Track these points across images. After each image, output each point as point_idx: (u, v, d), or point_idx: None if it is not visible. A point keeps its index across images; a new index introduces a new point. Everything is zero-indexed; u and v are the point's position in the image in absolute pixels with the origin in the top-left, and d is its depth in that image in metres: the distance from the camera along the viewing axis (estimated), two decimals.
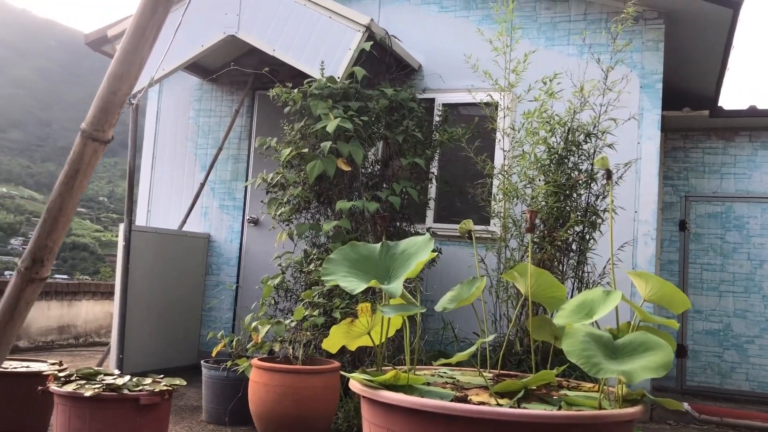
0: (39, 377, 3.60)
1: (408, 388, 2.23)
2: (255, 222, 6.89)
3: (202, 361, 4.65)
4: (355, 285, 2.30)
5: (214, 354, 4.71)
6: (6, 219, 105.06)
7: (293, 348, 4.21)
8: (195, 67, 6.75)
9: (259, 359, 4.11)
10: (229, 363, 4.41)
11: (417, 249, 2.34)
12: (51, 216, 1.25)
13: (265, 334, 4.35)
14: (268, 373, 3.95)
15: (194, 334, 6.83)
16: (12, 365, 4.03)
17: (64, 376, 3.35)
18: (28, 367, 4.02)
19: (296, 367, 3.97)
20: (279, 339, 4.30)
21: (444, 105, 6.13)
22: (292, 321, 4.34)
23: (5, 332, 1.26)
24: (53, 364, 4.09)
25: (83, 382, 3.26)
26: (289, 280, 5.12)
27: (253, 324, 4.44)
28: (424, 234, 5.54)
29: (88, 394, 3.08)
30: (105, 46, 7.02)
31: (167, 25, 4.83)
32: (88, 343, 8.53)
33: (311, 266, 4.89)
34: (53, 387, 3.25)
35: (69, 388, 3.18)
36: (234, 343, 4.64)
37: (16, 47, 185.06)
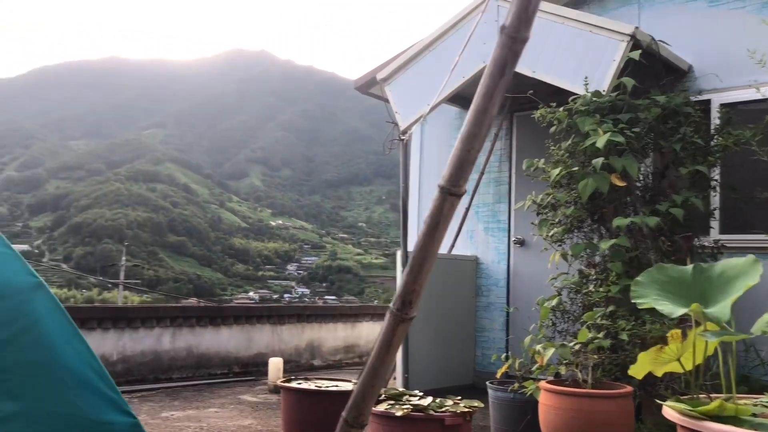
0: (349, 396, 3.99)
1: (734, 420, 2.10)
2: (521, 243, 6.94)
3: (487, 383, 4.78)
4: (671, 308, 2.23)
5: (498, 375, 4.82)
6: (282, 247, 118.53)
7: (580, 371, 4.14)
8: (454, 97, 7.05)
9: (547, 382, 4.11)
10: (515, 385, 4.48)
11: (738, 272, 2.20)
12: (416, 263, 1.42)
13: (549, 357, 4.34)
14: (558, 397, 3.94)
15: (468, 354, 7.04)
16: (324, 384, 4.53)
17: None
18: (337, 386, 4.48)
19: (589, 390, 3.90)
20: (564, 361, 4.27)
21: (722, 105, 5.64)
22: (575, 343, 4.28)
23: (383, 365, 1.45)
24: (356, 384, 4.51)
25: (392, 402, 3.55)
26: (565, 302, 5.06)
27: (537, 347, 4.47)
28: (709, 248, 5.13)
29: (399, 413, 3.34)
30: (372, 88, 7.65)
31: (432, 60, 5.12)
32: None
33: (590, 287, 4.78)
34: None
35: (381, 407, 3.48)
36: (517, 364, 4.70)
37: (282, 94, 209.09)
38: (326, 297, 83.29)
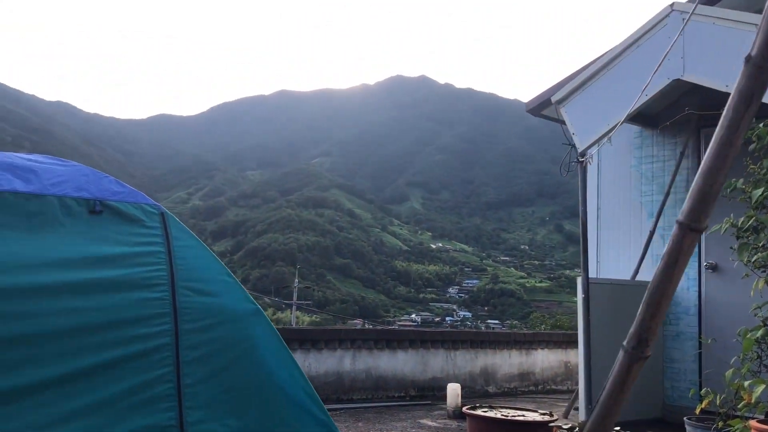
0: (543, 426, 3.92)
1: None
2: (714, 268, 6.45)
3: (685, 419, 4.48)
4: None
5: (697, 411, 4.50)
6: (443, 270, 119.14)
7: None
8: (634, 115, 6.76)
9: (758, 422, 3.77)
10: (720, 423, 4.15)
11: None
12: (653, 301, 1.38)
13: (759, 394, 3.98)
14: None
15: (656, 386, 6.63)
16: (510, 413, 4.48)
17: (567, 428, 3.58)
18: (523, 416, 4.42)
19: None
20: None
21: None
22: None
23: (616, 403, 1.42)
24: (543, 414, 4.42)
25: None
26: None
27: (744, 382, 4.12)
28: None
29: None
30: (546, 110, 7.54)
31: (611, 79, 4.95)
32: (545, 390, 8.99)
33: None
34: None
35: None
36: (718, 400, 4.35)
37: (441, 118, 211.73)
38: (489, 321, 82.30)
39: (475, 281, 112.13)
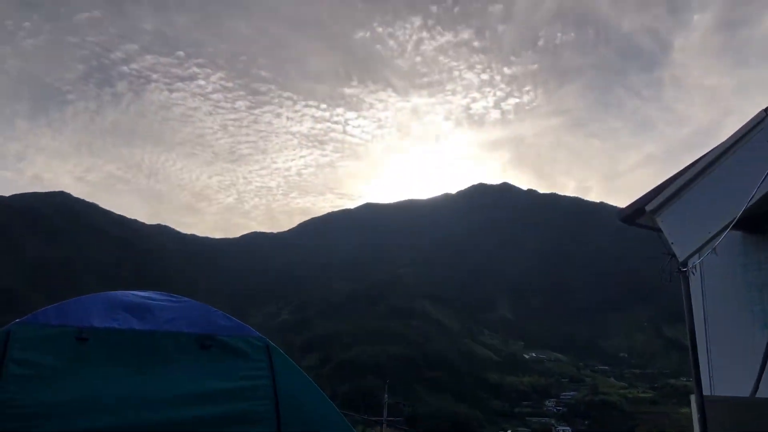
0: None
1: None
2: None
3: None
4: None
5: None
6: (538, 381, 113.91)
7: None
8: (737, 221, 6.51)
9: None
10: None
11: None
12: None
13: None
14: None
15: None
16: None
17: None
18: None
19: None
20: None
21: None
22: None
23: None
24: None
25: None
26: None
27: None
28: None
29: None
30: (639, 219, 7.37)
31: (708, 186, 4.82)
32: None
33: None
34: None
35: None
36: None
37: (526, 223, 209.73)
38: None
39: (572, 393, 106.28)
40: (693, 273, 5.91)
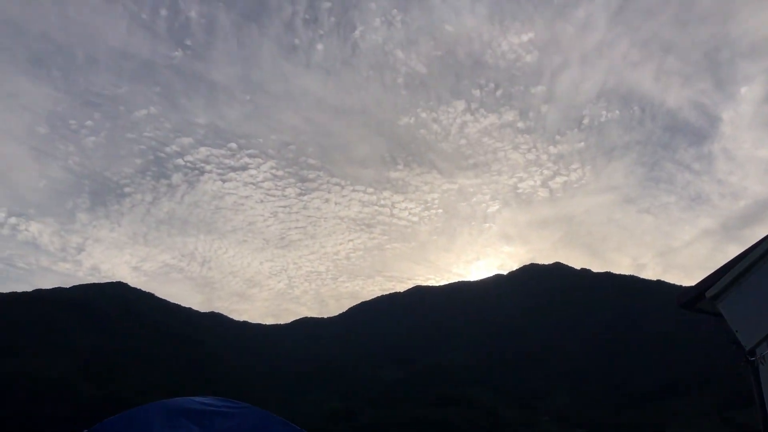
0: None
1: None
2: None
3: None
4: None
5: None
6: None
7: None
8: None
9: None
10: None
11: None
12: None
13: None
14: None
15: None
16: None
17: None
18: None
19: None
20: None
21: None
22: None
23: None
24: None
25: None
26: None
27: None
28: None
29: None
30: (700, 304, 7.03)
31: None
32: None
33: None
34: None
35: None
36: None
37: (579, 305, 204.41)
38: None
39: None
40: (762, 363, 5.53)
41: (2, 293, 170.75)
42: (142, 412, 2.99)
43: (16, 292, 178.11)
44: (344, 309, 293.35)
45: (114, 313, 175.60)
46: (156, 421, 2.92)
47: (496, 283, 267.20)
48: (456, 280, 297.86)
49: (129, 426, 2.90)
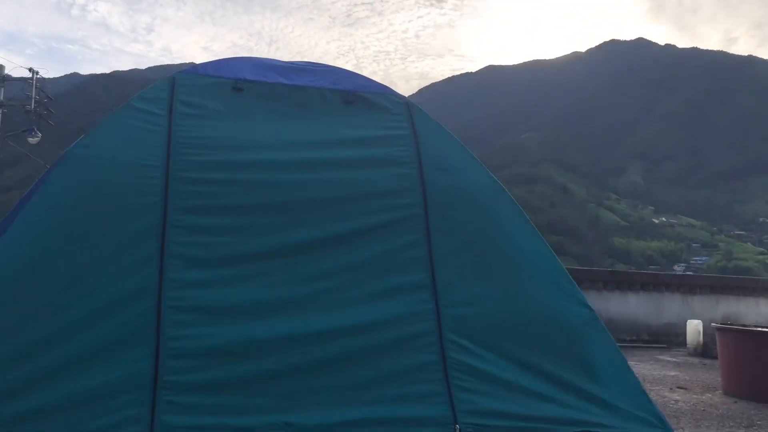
0: None
1: None
2: None
3: None
4: None
5: None
6: (668, 246, 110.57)
7: None
8: None
9: None
10: None
11: None
12: None
13: None
14: None
15: None
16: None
17: None
18: None
19: None
20: None
21: None
22: None
23: None
24: None
25: None
26: None
27: None
28: None
29: None
30: None
31: None
32: None
33: None
34: None
35: None
36: None
37: (662, 83, 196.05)
38: None
39: (704, 258, 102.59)
40: None
41: (83, 75, 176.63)
42: (232, 61, 3.31)
43: (95, 74, 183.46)
44: (414, 91, 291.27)
45: None
46: (245, 69, 3.25)
47: (574, 61, 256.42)
48: (532, 59, 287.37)
49: (220, 69, 3.23)
